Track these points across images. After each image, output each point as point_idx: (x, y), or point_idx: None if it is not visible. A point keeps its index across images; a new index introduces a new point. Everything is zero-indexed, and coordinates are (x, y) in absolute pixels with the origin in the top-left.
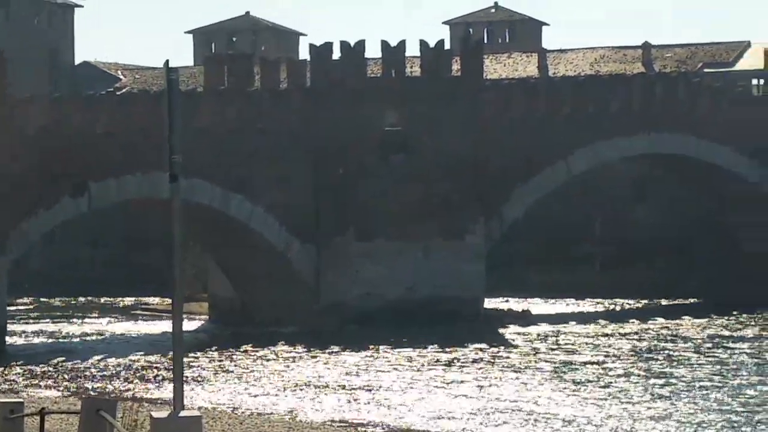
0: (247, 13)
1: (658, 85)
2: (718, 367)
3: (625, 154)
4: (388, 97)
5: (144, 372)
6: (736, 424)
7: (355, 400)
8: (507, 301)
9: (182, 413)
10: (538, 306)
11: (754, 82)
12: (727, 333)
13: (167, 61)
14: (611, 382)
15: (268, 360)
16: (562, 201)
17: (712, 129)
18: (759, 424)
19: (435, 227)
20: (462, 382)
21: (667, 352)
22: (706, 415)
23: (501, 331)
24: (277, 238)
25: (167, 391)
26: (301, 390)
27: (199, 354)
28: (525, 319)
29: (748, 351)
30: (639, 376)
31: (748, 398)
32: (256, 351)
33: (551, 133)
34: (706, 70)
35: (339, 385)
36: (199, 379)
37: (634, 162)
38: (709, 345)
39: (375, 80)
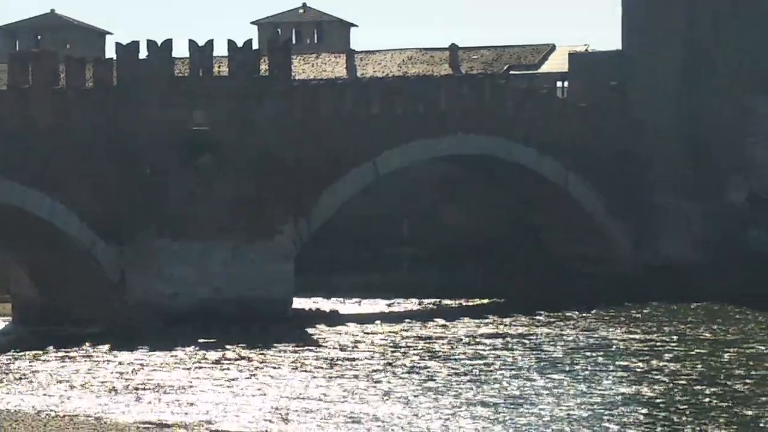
0: (53, 11)
1: (465, 86)
2: (500, 363)
3: (433, 155)
4: (196, 97)
5: None
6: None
7: (161, 400)
8: (316, 301)
9: None
10: (346, 306)
11: (559, 84)
12: (524, 332)
13: None
14: (410, 380)
15: (73, 361)
16: (371, 202)
17: (517, 130)
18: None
19: (243, 227)
20: (269, 382)
21: (465, 350)
22: (487, 411)
23: (309, 331)
24: (81, 236)
25: None
26: (107, 391)
27: (2, 355)
28: (333, 319)
29: (537, 349)
30: (437, 374)
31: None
32: (61, 352)
33: (359, 133)
34: (512, 72)
35: (145, 386)
36: (2, 380)
37: (442, 163)
38: (502, 342)
39: (182, 80)
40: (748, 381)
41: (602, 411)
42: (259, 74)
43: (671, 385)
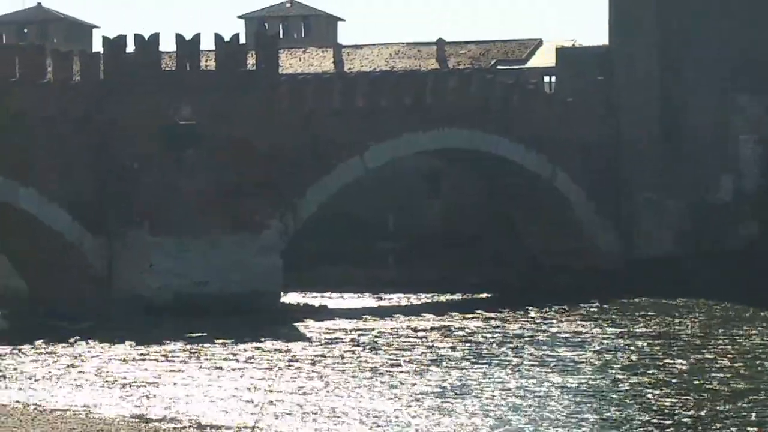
0: (39, 4)
1: (452, 81)
2: (496, 361)
3: (420, 149)
4: (183, 91)
5: None
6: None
7: (148, 394)
8: (304, 296)
9: None
10: (335, 301)
11: (546, 79)
12: (511, 326)
13: None
14: (400, 373)
15: (59, 355)
16: (358, 196)
17: (504, 125)
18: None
19: (229, 221)
20: (256, 377)
21: (453, 344)
22: (526, 412)
23: (297, 325)
24: (68, 231)
25: None
26: (95, 385)
27: None
28: (321, 313)
29: (527, 345)
30: (425, 369)
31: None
32: (48, 346)
33: (346, 127)
34: (499, 66)
35: (132, 380)
36: None
37: (428, 157)
38: (490, 337)
39: (169, 73)
40: (728, 375)
41: (572, 406)
42: (246, 68)
43: (647, 378)
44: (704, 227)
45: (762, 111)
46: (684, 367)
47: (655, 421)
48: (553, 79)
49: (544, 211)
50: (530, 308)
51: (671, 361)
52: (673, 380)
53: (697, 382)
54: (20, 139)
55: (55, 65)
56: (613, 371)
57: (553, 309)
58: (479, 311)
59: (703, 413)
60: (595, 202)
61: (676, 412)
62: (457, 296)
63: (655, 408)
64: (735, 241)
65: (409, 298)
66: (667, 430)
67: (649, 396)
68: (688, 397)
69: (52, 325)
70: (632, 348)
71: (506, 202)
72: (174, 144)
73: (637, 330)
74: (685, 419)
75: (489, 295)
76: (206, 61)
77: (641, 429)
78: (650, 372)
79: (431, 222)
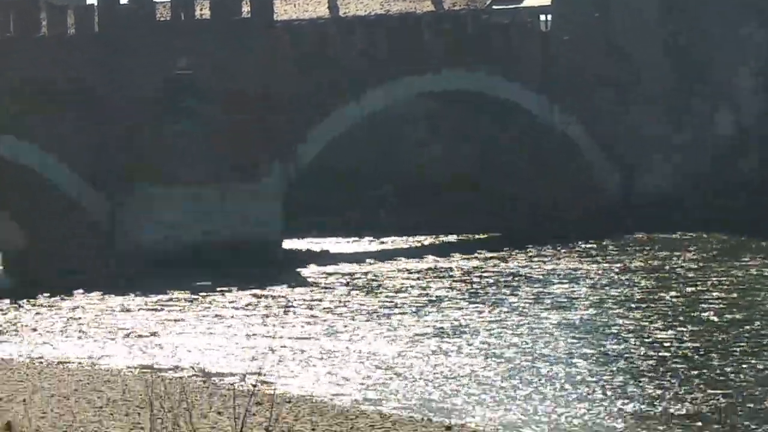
0: None
1: (448, 22)
2: (511, 300)
3: (417, 92)
4: (178, 41)
5: None
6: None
7: (153, 344)
8: (306, 242)
9: None
10: (336, 246)
11: (542, 18)
12: (507, 266)
13: None
14: (401, 316)
15: (63, 308)
16: (356, 140)
17: (501, 65)
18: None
19: (230, 170)
20: (260, 323)
21: (464, 285)
22: (526, 350)
23: (299, 271)
24: (69, 186)
25: None
26: (100, 337)
27: None
28: (324, 258)
29: (525, 283)
30: (446, 310)
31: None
32: (53, 300)
33: (344, 72)
34: (494, 7)
35: (136, 331)
36: None
37: (426, 100)
38: (488, 277)
39: (164, 24)
40: (723, 306)
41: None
42: (241, 16)
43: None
44: (705, 162)
45: (765, 42)
46: (680, 300)
47: (651, 353)
48: (549, 17)
49: (545, 151)
50: (530, 248)
51: (666, 294)
52: (669, 313)
53: (693, 314)
54: (18, 94)
55: (50, 19)
56: (609, 306)
57: (551, 248)
58: (480, 252)
59: (698, 344)
60: (598, 140)
61: (672, 344)
62: (457, 238)
63: (650, 341)
64: (735, 174)
65: (408, 242)
66: (664, 362)
67: (646, 329)
68: (683, 329)
69: (54, 279)
70: (628, 282)
71: (506, 144)
72: (172, 94)
73: (634, 265)
74: (682, 351)
75: (490, 237)
76: (201, 10)
77: (639, 361)
78: (646, 305)
79: (432, 165)
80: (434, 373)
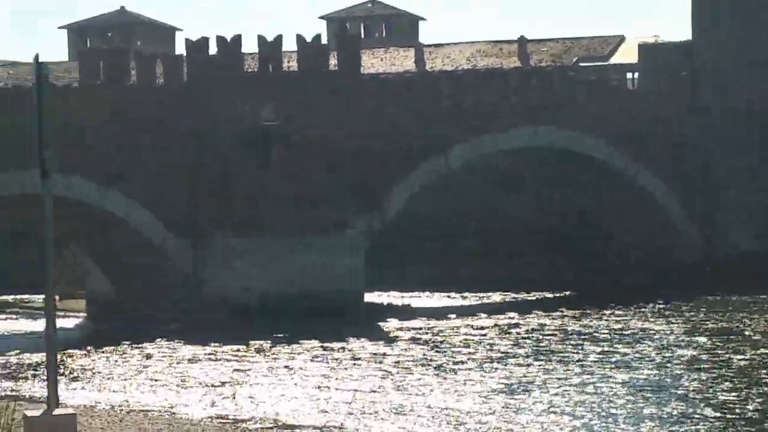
0: (122, 8)
1: (534, 78)
2: (599, 358)
3: (502, 147)
4: (266, 92)
5: (23, 371)
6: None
7: (235, 395)
8: (387, 295)
9: (56, 411)
10: (418, 300)
11: (629, 75)
12: (605, 325)
13: (37, 56)
14: (494, 375)
15: (147, 357)
16: (438, 195)
17: (586, 122)
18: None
19: (314, 221)
20: (343, 377)
21: (545, 344)
22: (593, 409)
23: (382, 325)
24: (155, 234)
25: (45, 390)
26: (181, 386)
27: (77, 351)
28: (405, 312)
29: (628, 344)
30: (523, 368)
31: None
32: (135, 348)
33: (429, 127)
34: (581, 64)
35: (218, 381)
36: (77, 377)
37: (510, 155)
38: (588, 337)
39: (252, 75)
40: None
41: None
42: (328, 69)
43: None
44: None
45: None
46: (750, 363)
47: (717, 415)
48: (636, 75)
49: (628, 208)
50: (605, 306)
51: (736, 357)
52: (738, 375)
53: (762, 377)
54: (106, 142)
55: (139, 68)
56: (677, 367)
57: (625, 307)
58: (559, 309)
59: (767, 408)
60: (679, 198)
61: (739, 407)
62: (536, 295)
63: (717, 403)
64: None
65: (488, 298)
66: (731, 424)
67: (712, 392)
68: (751, 392)
69: (139, 327)
70: (696, 344)
71: (590, 200)
72: (258, 146)
73: (705, 326)
74: (749, 414)
75: (568, 293)
76: (288, 62)
77: (704, 424)
78: (715, 367)
79: (513, 221)
80: (504, 430)
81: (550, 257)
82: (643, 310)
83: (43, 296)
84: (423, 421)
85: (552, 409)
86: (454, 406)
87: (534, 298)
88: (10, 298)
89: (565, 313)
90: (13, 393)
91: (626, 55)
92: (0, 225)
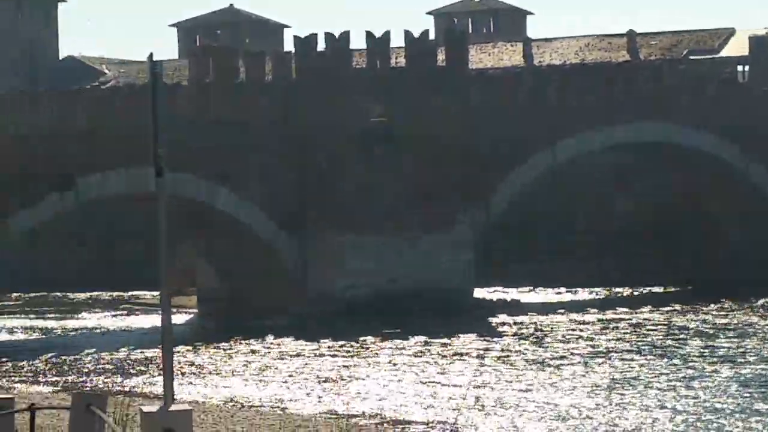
0: (231, 5)
1: (643, 72)
2: (707, 354)
3: (610, 143)
4: (374, 88)
5: (135, 366)
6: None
7: (344, 391)
8: (495, 291)
9: (172, 407)
10: (527, 296)
11: (739, 68)
12: (714, 320)
13: (151, 55)
14: (605, 370)
15: (257, 352)
16: (544, 190)
17: (697, 116)
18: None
19: (422, 218)
20: (452, 372)
21: (654, 340)
22: (700, 404)
23: (491, 320)
24: (264, 231)
25: (158, 386)
26: (291, 382)
27: (189, 347)
28: (514, 308)
29: (735, 339)
30: (631, 363)
31: (749, 386)
32: (245, 343)
33: (537, 121)
34: (691, 57)
35: (328, 377)
36: (190, 372)
37: (617, 150)
38: (696, 332)
39: (360, 71)
40: None
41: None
42: (436, 64)
43: None
44: None
45: None
46: None
47: None
48: (747, 68)
49: (740, 203)
50: (716, 300)
51: None
52: None
53: None
54: (217, 140)
55: (248, 66)
56: None
57: (738, 301)
58: (670, 305)
59: None
60: None
61: None
62: (647, 290)
63: None
64: None
65: (601, 293)
66: None
67: None
68: None
69: (248, 323)
70: None
71: (700, 193)
72: (367, 142)
73: None
74: None
75: (680, 289)
76: (396, 58)
77: None
78: None
79: (621, 216)
80: (611, 425)
81: (659, 253)
82: (754, 305)
83: (155, 293)
84: (529, 416)
85: (658, 404)
86: (563, 402)
87: (643, 293)
88: (118, 294)
89: (674, 308)
90: (126, 388)
91: (737, 47)
92: (96, 225)
